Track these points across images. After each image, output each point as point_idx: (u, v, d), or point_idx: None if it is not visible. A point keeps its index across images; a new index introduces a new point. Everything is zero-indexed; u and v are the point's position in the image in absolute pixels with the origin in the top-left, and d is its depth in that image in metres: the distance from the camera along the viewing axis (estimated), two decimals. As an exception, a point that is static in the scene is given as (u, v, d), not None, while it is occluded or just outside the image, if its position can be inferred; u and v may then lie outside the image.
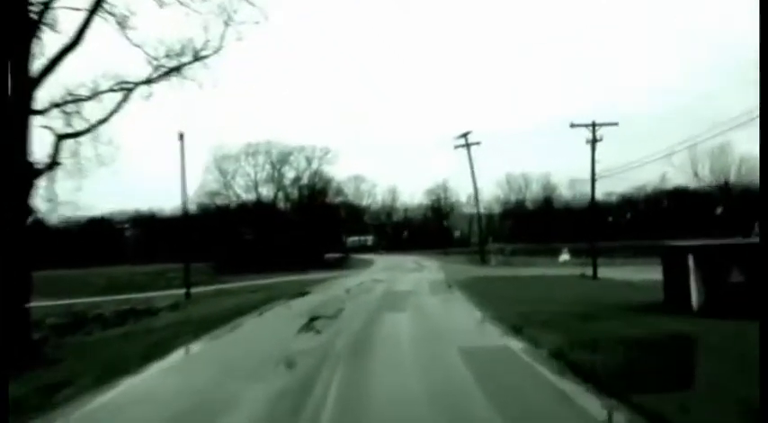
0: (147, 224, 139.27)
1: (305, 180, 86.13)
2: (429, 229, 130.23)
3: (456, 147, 49.45)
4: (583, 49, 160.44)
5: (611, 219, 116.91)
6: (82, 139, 17.98)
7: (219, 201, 77.88)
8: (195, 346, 16.04)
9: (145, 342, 16.64)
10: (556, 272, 41.93)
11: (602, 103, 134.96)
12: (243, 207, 79.75)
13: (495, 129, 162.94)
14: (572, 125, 32.81)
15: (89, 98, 17.81)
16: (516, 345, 13.72)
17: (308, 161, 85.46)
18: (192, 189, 79.32)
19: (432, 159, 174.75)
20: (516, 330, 15.23)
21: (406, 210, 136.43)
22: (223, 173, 77.89)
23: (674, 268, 19.32)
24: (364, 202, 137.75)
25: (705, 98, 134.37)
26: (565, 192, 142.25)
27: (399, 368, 11.95)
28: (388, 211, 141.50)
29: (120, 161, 19.76)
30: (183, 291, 42.06)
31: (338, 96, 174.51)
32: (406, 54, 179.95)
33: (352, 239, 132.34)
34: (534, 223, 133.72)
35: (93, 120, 17.88)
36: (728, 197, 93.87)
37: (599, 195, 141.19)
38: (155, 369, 12.84)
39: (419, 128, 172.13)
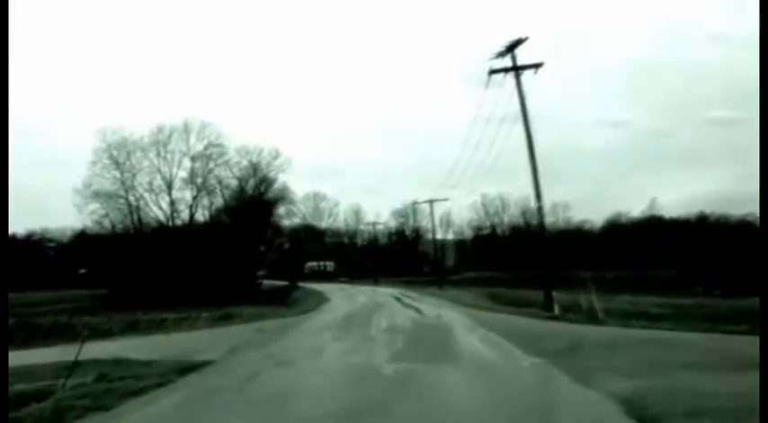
0: (76, 243, 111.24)
1: (247, 186, 57.54)
2: (399, 254, 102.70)
3: (491, 72, 21.26)
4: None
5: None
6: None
7: (112, 206, 48.76)
8: None
9: None
10: None
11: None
12: (139, 223, 50.86)
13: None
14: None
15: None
16: None
17: (253, 166, 57.32)
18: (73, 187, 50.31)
19: (400, 181, 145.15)
20: None
21: (372, 231, 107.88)
22: (120, 167, 48.99)
23: None
24: (324, 224, 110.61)
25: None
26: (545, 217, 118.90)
27: None
28: (352, 233, 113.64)
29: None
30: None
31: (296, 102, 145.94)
32: (378, 59, 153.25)
33: (311, 264, 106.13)
34: (511, 250, 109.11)
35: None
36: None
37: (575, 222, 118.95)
38: None
39: (386, 142, 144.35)
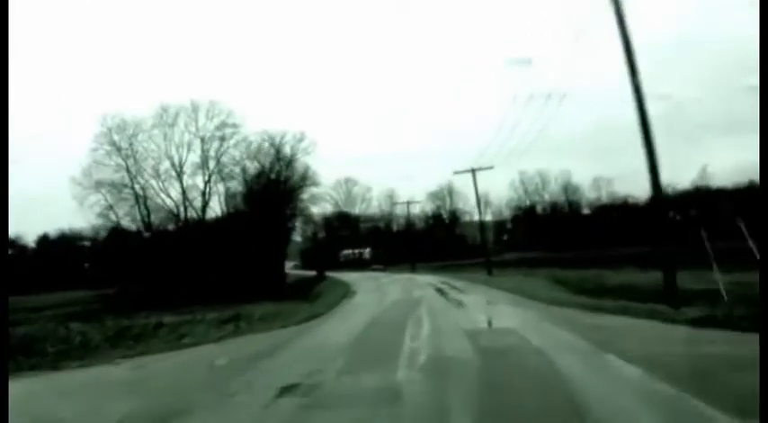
0: (111, 241, 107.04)
1: (268, 170, 51.49)
2: (436, 238, 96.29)
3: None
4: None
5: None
6: None
7: (116, 197, 43.42)
8: None
9: None
10: None
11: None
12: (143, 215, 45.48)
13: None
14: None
15: None
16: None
17: (276, 148, 51.14)
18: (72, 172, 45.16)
19: (434, 167, 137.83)
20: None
21: (407, 213, 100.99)
22: (123, 152, 43.54)
23: None
24: (357, 210, 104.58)
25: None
26: (588, 193, 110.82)
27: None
28: (387, 219, 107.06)
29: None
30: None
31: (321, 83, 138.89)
32: (410, 43, 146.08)
33: (346, 253, 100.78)
34: (558, 229, 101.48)
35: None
36: None
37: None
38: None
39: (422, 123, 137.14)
